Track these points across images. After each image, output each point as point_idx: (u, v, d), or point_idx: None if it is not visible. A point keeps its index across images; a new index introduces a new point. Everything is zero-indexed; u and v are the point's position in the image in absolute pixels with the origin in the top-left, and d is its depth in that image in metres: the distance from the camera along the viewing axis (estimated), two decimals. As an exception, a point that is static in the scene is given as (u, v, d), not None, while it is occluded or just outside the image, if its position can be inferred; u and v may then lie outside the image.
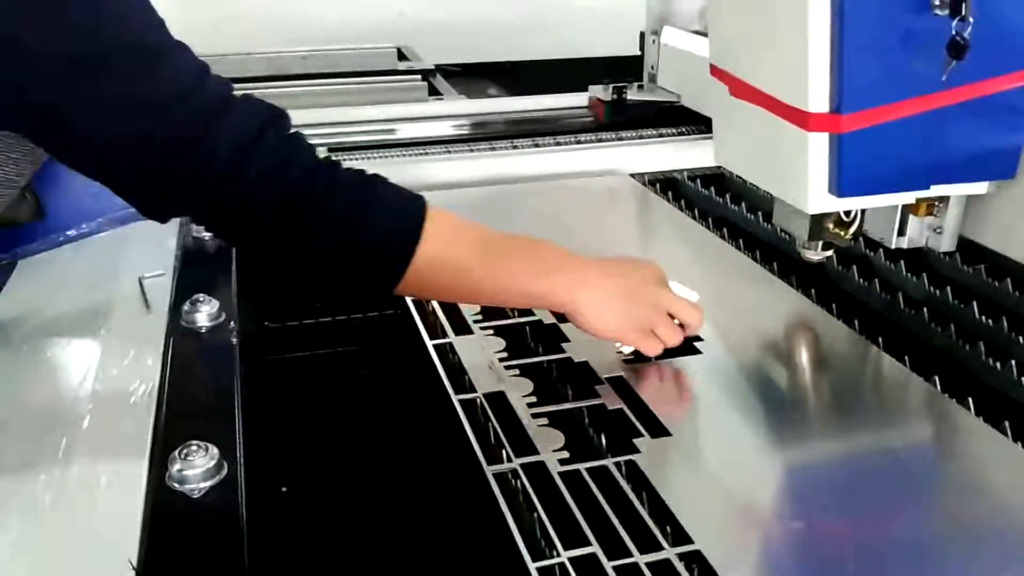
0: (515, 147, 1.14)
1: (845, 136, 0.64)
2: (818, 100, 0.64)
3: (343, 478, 0.67)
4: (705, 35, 1.25)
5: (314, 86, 1.89)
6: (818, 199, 0.68)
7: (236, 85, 1.27)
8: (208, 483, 0.53)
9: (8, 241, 0.95)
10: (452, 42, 2.40)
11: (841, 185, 0.66)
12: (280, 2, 2.45)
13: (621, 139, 1.17)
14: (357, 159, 1.13)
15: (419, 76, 2.05)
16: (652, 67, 1.35)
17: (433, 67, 2.12)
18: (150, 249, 0.90)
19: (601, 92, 1.27)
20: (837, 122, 0.63)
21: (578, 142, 1.16)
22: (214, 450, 0.55)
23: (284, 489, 0.70)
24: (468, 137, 1.23)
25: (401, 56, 2.27)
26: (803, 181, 0.67)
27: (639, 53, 1.45)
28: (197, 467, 0.54)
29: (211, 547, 0.49)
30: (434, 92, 1.94)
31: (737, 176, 0.98)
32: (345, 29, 2.41)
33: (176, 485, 0.53)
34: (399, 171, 1.05)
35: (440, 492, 0.61)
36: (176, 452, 0.54)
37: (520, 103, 1.34)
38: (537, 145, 1.15)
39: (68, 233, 0.96)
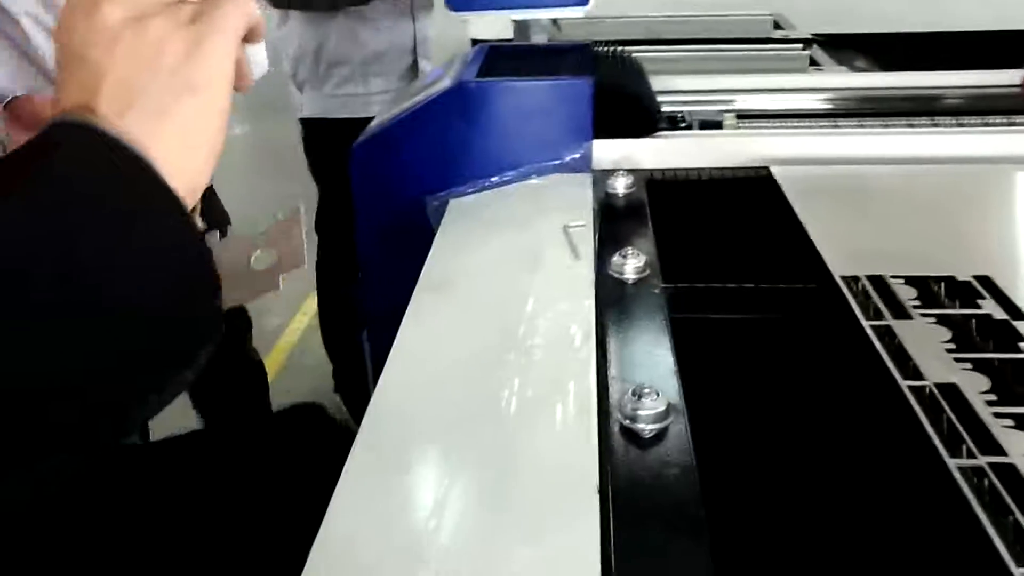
0: (935, 125, 1.07)
1: None
2: None
3: (761, 447, 0.68)
4: None
5: (692, 51, 1.89)
6: None
7: (616, 48, 1.29)
8: (657, 425, 0.56)
9: (443, 182, 1.06)
10: (822, 10, 2.28)
11: None
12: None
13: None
14: (754, 127, 1.12)
15: (799, 46, 1.97)
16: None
17: (811, 36, 2.03)
18: (567, 200, 0.96)
19: (1041, 70, 1.14)
20: None
21: (1011, 124, 1.05)
22: (663, 396, 0.57)
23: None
24: (874, 111, 1.16)
25: (776, 25, 2.20)
26: None
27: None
28: (647, 408, 0.57)
29: (667, 487, 0.52)
30: (813, 63, 1.87)
31: None
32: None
33: (628, 423, 0.57)
34: (808, 143, 1.02)
35: (879, 477, 0.60)
36: (628, 392, 0.58)
37: (934, 78, 1.24)
38: (962, 124, 1.06)
39: (493, 179, 1.05)
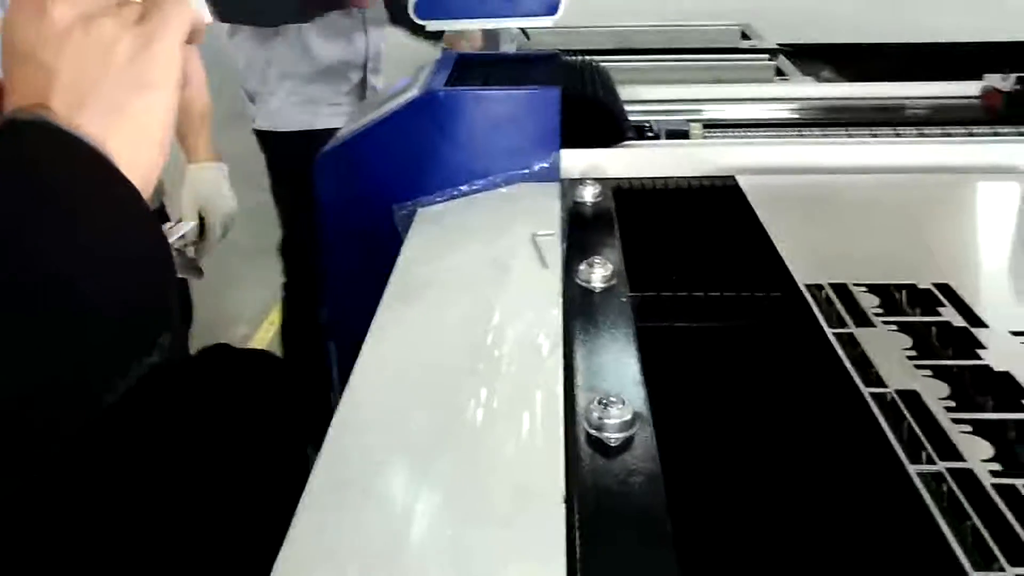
0: (897, 135, 1.08)
1: None
2: None
3: (727, 454, 0.68)
4: None
5: (660, 61, 1.91)
6: None
7: (584, 58, 1.30)
8: (623, 434, 0.56)
9: (410, 191, 1.06)
10: (790, 21, 2.31)
11: None
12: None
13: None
14: (720, 136, 1.13)
15: (766, 56, 2.00)
16: (1064, 56, 1.21)
17: (777, 46, 2.06)
18: (535, 209, 0.97)
19: (999, 82, 1.16)
20: None
21: (970, 134, 1.07)
22: (630, 405, 0.58)
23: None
24: (839, 121, 1.18)
25: (743, 35, 2.23)
26: None
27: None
28: (613, 417, 0.57)
29: (633, 496, 0.52)
30: (779, 73, 1.89)
31: None
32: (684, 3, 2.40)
33: (594, 432, 0.57)
34: (773, 152, 1.03)
35: (841, 483, 0.60)
36: (595, 401, 0.58)
37: (897, 89, 1.26)
38: (923, 135, 1.08)
39: (461, 188, 1.05)
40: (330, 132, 1.20)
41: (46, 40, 0.40)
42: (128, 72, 0.41)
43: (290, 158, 1.86)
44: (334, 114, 1.91)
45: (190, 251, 1.43)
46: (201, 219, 1.44)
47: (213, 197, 1.46)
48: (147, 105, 0.41)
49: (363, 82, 2.02)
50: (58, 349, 0.36)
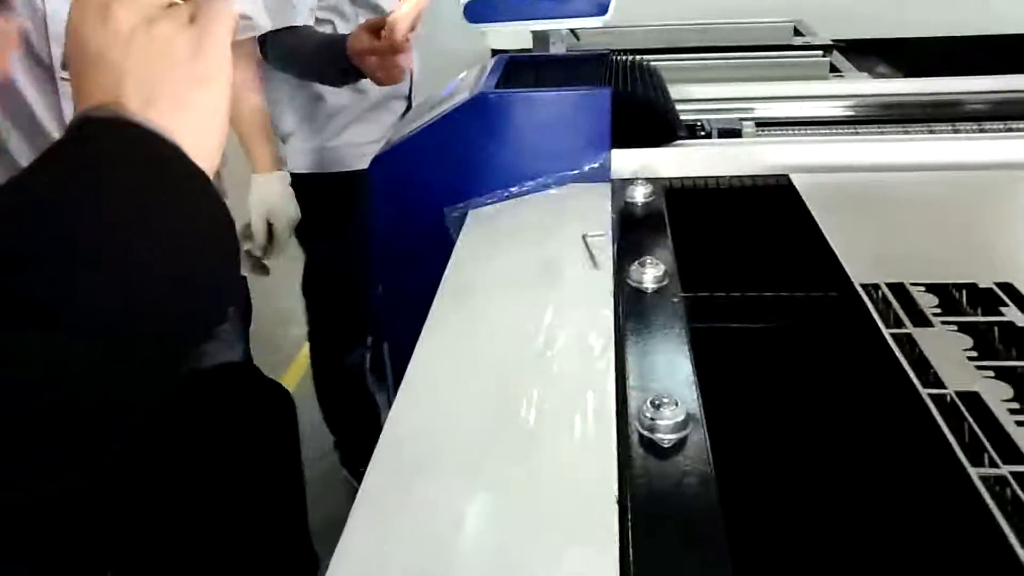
0: (956, 131, 1.06)
1: None
2: None
3: (781, 456, 0.67)
4: None
5: (711, 59, 1.89)
6: None
7: (635, 57, 1.30)
8: (676, 435, 0.56)
9: (462, 193, 1.07)
10: (843, 15, 2.27)
11: None
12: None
13: (1088, 128, 1.04)
14: (774, 135, 1.12)
15: (820, 52, 1.97)
16: None
17: (831, 42, 2.03)
18: (586, 209, 0.97)
19: (1064, 74, 1.13)
20: None
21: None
22: (683, 406, 0.57)
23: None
24: (895, 118, 1.16)
25: (796, 31, 2.20)
26: None
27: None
28: (666, 419, 0.57)
29: (687, 498, 0.52)
30: (833, 69, 1.86)
31: None
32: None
33: (647, 433, 0.57)
34: (828, 150, 1.02)
35: (900, 486, 0.59)
36: (647, 402, 0.58)
37: (954, 83, 1.23)
38: (983, 130, 1.05)
39: (512, 189, 1.06)
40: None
41: (113, 43, 0.43)
42: (187, 68, 0.44)
43: (329, 201, 1.75)
44: (373, 154, 1.78)
45: (257, 251, 1.48)
46: (268, 224, 1.49)
47: (278, 205, 1.50)
48: (205, 97, 0.44)
49: (406, 113, 1.87)
50: (137, 325, 0.39)
